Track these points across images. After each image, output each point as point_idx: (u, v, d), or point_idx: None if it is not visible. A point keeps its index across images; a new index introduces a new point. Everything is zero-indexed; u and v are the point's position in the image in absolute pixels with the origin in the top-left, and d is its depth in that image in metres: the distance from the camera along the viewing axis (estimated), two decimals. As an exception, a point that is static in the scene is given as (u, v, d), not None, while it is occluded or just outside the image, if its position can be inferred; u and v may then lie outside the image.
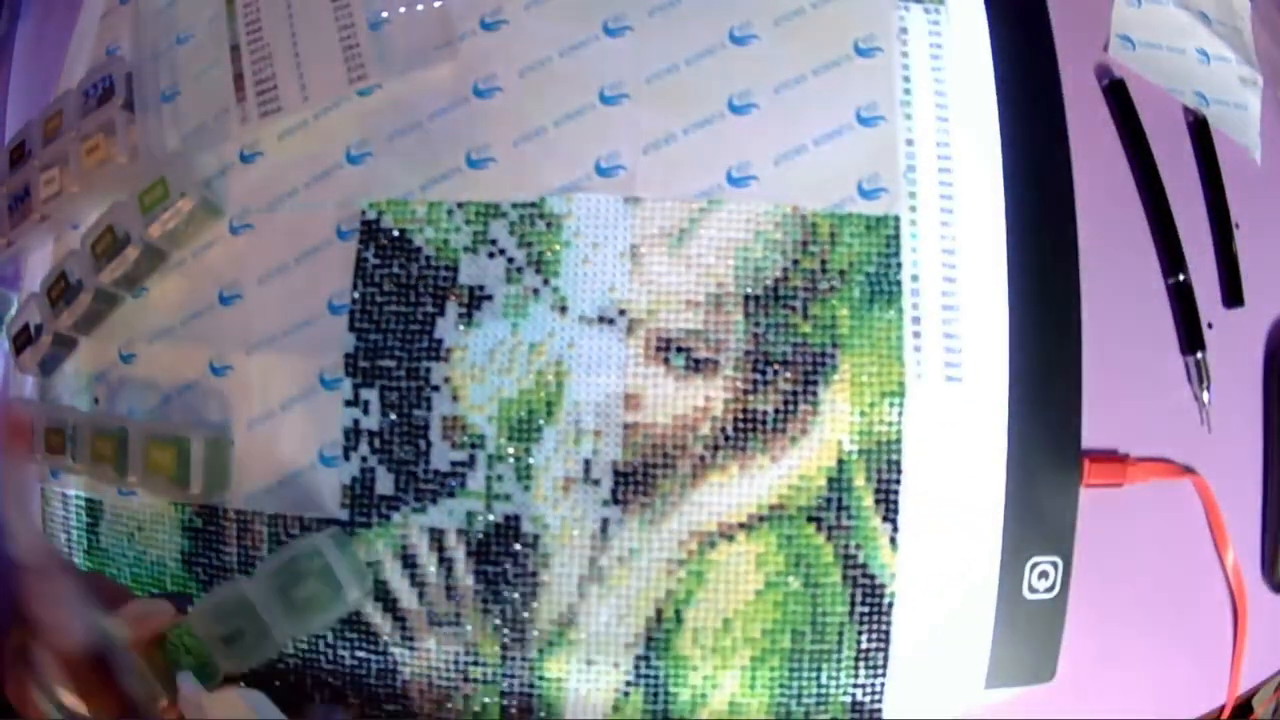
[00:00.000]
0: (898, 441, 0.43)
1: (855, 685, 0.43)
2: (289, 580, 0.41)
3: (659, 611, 0.43)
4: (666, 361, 0.43)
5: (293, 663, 0.45)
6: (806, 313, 0.44)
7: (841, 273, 0.44)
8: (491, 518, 0.43)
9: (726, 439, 0.43)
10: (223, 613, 0.42)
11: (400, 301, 0.45)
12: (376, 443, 0.44)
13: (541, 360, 0.44)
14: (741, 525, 0.43)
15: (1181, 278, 0.47)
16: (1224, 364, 0.48)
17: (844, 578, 0.43)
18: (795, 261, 0.44)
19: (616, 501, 0.43)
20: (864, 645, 0.43)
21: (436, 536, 0.44)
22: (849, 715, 0.43)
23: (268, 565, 0.42)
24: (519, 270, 0.44)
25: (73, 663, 0.37)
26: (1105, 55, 0.50)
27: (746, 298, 0.44)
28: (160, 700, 0.39)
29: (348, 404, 0.45)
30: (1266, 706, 0.50)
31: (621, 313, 0.44)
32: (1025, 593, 0.44)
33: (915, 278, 0.44)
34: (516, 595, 0.43)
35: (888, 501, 0.43)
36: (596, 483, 0.43)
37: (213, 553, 0.46)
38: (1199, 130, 0.50)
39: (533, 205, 0.45)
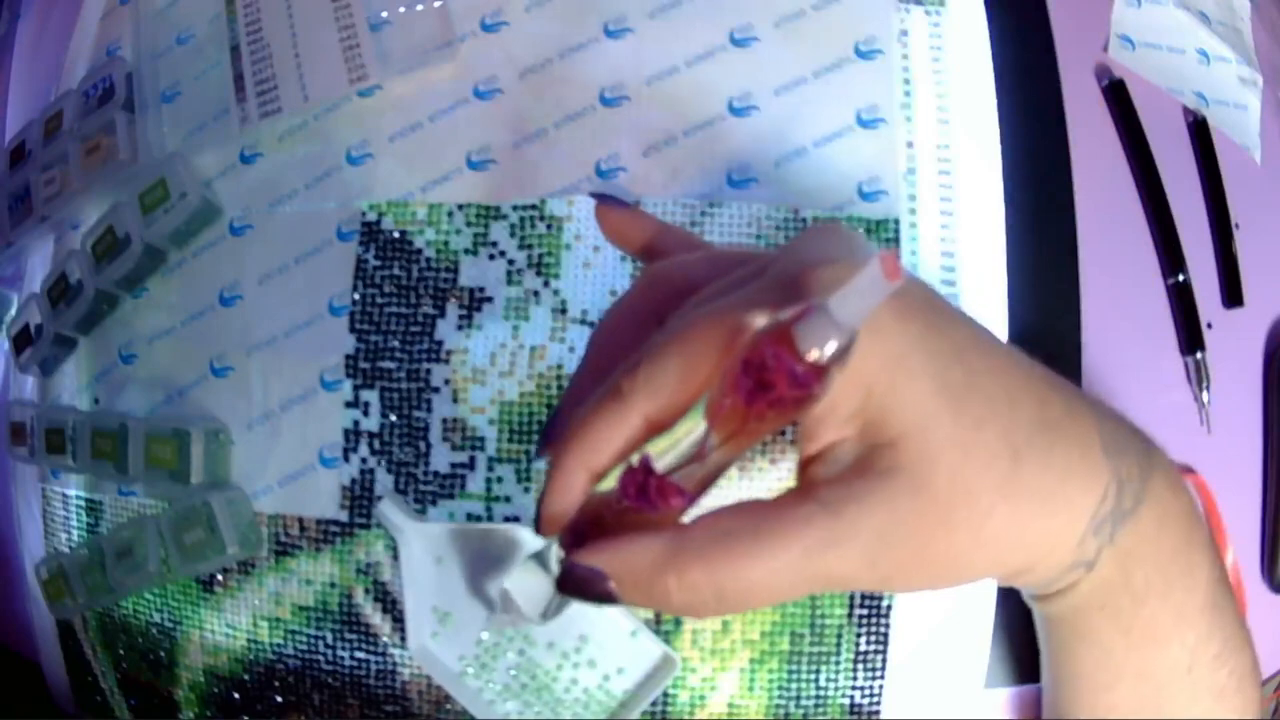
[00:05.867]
0: (897, 443, 0.43)
1: (854, 687, 0.43)
2: (182, 524, 0.45)
3: (658, 612, 0.43)
4: (666, 363, 0.43)
5: (293, 663, 0.45)
6: (806, 314, 0.44)
7: (841, 274, 0.44)
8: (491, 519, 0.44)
9: (726, 440, 0.43)
10: (124, 529, 0.47)
11: (401, 303, 0.45)
12: (376, 444, 0.44)
13: (542, 363, 0.44)
14: (741, 526, 0.43)
15: (1181, 278, 0.47)
16: (1224, 364, 0.48)
17: (843, 579, 0.43)
18: (795, 263, 0.44)
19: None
20: (862, 647, 0.43)
21: (437, 537, 0.44)
22: (847, 717, 0.43)
23: (174, 507, 0.46)
24: (519, 272, 0.44)
25: None
26: (1105, 55, 0.50)
27: (746, 299, 0.44)
28: None
29: (348, 405, 0.45)
30: (1266, 706, 0.50)
31: (622, 314, 0.44)
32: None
33: (915, 279, 0.44)
34: (516, 596, 0.43)
35: (887, 503, 0.43)
36: (596, 484, 0.43)
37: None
38: (1199, 130, 0.50)
39: (533, 207, 0.45)
